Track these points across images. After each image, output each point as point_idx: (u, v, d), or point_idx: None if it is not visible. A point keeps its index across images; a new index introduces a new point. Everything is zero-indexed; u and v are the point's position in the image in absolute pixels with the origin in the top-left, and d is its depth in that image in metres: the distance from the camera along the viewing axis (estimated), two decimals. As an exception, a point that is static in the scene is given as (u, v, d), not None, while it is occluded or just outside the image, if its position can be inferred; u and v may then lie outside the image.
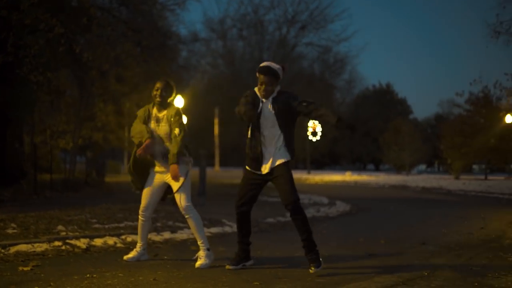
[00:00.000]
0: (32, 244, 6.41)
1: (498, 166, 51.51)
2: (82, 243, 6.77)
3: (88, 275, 5.08)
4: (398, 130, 54.94)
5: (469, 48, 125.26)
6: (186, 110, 20.67)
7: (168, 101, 5.91)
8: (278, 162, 5.53)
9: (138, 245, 6.04)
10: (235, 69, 25.69)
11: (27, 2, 12.47)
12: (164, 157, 5.82)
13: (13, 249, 6.16)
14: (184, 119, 5.93)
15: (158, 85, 5.87)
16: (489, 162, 46.47)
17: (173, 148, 5.71)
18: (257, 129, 5.56)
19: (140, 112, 5.96)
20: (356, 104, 71.41)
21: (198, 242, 5.82)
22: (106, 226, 8.11)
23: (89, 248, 6.60)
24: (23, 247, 6.26)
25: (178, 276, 5.23)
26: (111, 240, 7.10)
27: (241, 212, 5.67)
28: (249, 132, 5.63)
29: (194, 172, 7.47)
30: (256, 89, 5.64)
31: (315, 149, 57.28)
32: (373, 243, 7.80)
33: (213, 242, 6.47)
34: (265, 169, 5.55)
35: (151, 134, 5.80)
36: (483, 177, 44.39)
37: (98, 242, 6.97)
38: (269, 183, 5.75)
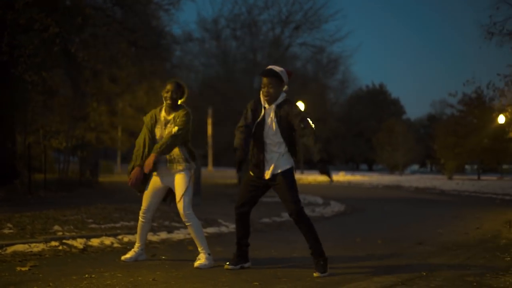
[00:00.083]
0: (29, 244, 6.38)
1: (490, 167, 51.71)
2: (79, 243, 6.74)
3: (86, 275, 5.06)
4: (391, 130, 55.07)
5: (462, 49, 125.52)
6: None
7: (179, 102, 5.82)
8: (280, 170, 5.48)
9: (137, 245, 6.01)
10: (229, 69, 25.65)
11: (22, 1, 12.43)
12: (169, 162, 5.75)
13: (10, 249, 6.13)
14: (190, 123, 5.78)
15: (168, 87, 5.77)
16: (482, 163, 46.65)
17: (162, 141, 5.64)
18: (259, 136, 5.51)
19: (147, 118, 5.88)
20: (349, 104, 71.45)
21: (199, 249, 5.78)
22: (103, 226, 8.09)
23: (86, 248, 6.57)
24: (20, 247, 6.23)
25: (177, 276, 5.21)
26: (108, 240, 7.08)
27: (241, 213, 5.65)
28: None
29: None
30: (261, 94, 5.57)
31: (308, 149, 57.20)
32: (370, 243, 7.81)
33: (210, 242, 6.43)
34: (267, 174, 5.50)
35: (143, 162, 5.75)
36: (475, 177, 44.56)
37: (95, 242, 6.95)
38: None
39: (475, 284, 5.10)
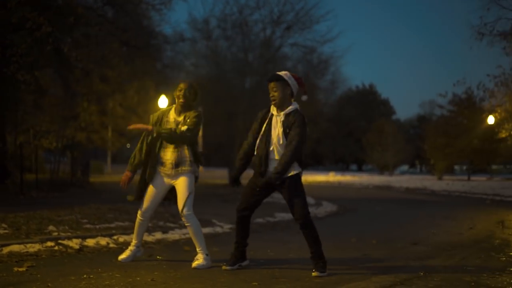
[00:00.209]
0: (25, 244, 6.34)
1: (480, 167, 51.99)
2: (74, 243, 6.71)
3: (85, 276, 5.04)
4: (381, 130, 55.26)
5: (451, 49, 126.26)
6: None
7: (190, 104, 5.78)
8: (289, 174, 5.45)
9: (133, 243, 5.97)
10: (220, 69, 25.56)
11: (14, 0, 12.36)
12: (175, 166, 5.72)
13: (6, 250, 6.08)
14: (200, 125, 5.73)
15: (181, 85, 5.74)
16: (471, 163, 46.89)
17: (171, 128, 5.59)
18: (265, 142, 5.49)
19: (154, 117, 5.83)
20: (339, 104, 71.52)
21: (197, 249, 5.77)
22: (97, 227, 8.05)
23: (82, 249, 6.54)
24: (15, 248, 6.19)
25: (175, 276, 5.20)
26: (103, 241, 7.05)
27: (242, 216, 5.64)
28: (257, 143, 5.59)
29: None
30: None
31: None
32: (365, 244, 7.82)
33: (206, 243, 6.40)
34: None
35: (134, 167, 5.78)
36: (465, 177, 44.78)
37: (90, 242, 6.92)
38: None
39: (473, 284, 5.12)
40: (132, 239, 6.11)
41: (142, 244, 6.18)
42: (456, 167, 62.43)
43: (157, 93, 23.93)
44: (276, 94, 5.48)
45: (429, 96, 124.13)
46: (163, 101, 20.89)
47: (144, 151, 5.79)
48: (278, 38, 27.11)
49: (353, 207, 14.94)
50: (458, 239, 8.56)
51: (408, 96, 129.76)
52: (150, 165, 5.78)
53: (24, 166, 15.97)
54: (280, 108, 5.51)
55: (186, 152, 5.73)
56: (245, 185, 5.74)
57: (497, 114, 26.02)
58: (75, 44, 15.42)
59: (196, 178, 5.88)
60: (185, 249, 6.79)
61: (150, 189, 5.83)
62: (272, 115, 5.55)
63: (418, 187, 29.24)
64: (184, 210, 5.66)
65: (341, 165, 78.61)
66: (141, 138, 5.84)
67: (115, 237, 7.34)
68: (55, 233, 7.17)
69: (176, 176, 5.75)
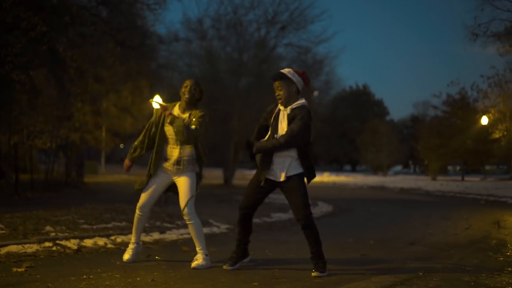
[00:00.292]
0: (23, 245, 6.31)
1: (472, 168, 52.18)
2: (72, 243, 6.68)
3: (84, 276, 5.02)
4: (375, 131, 55.31)
5: (445, 50, 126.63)
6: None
7: (195, 101, 5.78)
8: (294, 172, 5.44)
9: (132, 241, 5.95)
10: (214, 70, 25.49)
11: (9, 0, 12.30)
12: (176, 164, 5.70)
13: (3, 250, 6.05)
14: (205, 125, 5.71)
15: (187, 82, 5.75)
16: (465, 163, 47.03)
17: (183, 121, 5.58)
18: (272, 137, 5.48)
19: (158, 111, 5.83)
20: (333, 105, 71.53)
21: (197, 248, 5.76)
22: (95, 227, 8.02)
23: (80, 249, 6.52)
24: (13, 248, 6.16)
25: (175, 277, 5.19)
26: (101, 241, 7.03)
27: (245, 214, 5.64)
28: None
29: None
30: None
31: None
32: (363, 244, 7.83)
33: (204, 243, 6.41)
34: (282, 177, 5.43)
35: (133, 158, 5.84)
36: (459, 178, 44.91)
37: (88, 242, 6.89)
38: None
39: (472, 284, 5.13)
40: (130, 238, 6.09)
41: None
42: (450, 167, 62.65)
43: (151, 93, 23.88)
44: (281, 93, 5.48)
45: (423, 97, 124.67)
46: (157, 101, 20.78)
47: (145, 144, 5.81)
48: (272, 38, 27.10)
49: (348, 208, 14.96)
50: (455, 239, 8.58)
51: (402, 96, 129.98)
52: (155, 159, 5.77)
53: (18, 167, 15.92)
54: (285, 105, 5.52)
55: (190, 150, 5.72)
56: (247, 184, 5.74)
57: (490, 115, 26.14)
58: (70, 44, 15.36)
59: (200, 178, 5.88)
60: (183, 249, 6.78)
61: (150, 183, 5.82)
62: (280, 110, 5.56)
63: (412, 187, 29.33)
64: (186, 209, 5.66)
65: (335, 166, 78.68)
66: (144, 130, 5.85)
67: (112, 237, 7.31)
68: (53, 234, 7.14)
69: (177, 173, 5.74)
